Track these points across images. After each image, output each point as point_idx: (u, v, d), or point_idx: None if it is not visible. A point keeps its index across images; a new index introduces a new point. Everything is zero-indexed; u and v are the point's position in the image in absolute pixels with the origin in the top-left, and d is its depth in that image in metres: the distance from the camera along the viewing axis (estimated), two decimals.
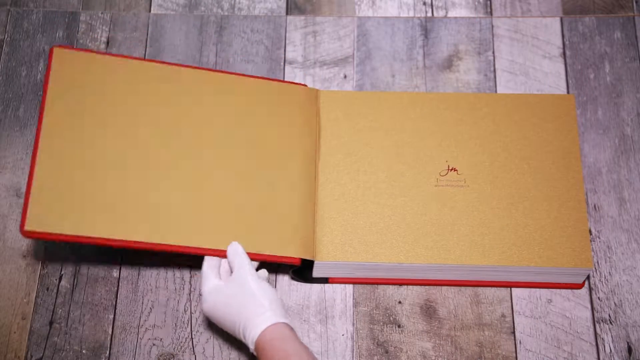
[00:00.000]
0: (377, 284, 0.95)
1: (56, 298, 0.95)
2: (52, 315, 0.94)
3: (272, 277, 0.96)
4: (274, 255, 0.90)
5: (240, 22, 1.12)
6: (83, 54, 0.93)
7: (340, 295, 0.95)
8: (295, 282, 0.96)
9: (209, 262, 0.87)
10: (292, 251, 0.90)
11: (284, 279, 0.96)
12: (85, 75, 0.92)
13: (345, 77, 1.08)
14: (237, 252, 0.87)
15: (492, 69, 1.08)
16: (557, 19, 1.11)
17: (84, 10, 1.13)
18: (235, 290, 0.83)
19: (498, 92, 1.06)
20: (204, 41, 1.10)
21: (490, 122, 0.98)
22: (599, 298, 0.95)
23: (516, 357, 0.92)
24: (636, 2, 1.12)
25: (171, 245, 0.87)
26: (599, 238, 0.98)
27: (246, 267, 0.85)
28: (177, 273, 0.96)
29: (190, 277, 0.96)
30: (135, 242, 0.86)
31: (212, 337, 0.93)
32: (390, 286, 0.96)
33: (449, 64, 1.09)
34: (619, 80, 1.07)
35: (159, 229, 0.87)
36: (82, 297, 0.95)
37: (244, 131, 0.96)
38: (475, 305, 0.95)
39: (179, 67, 0.97)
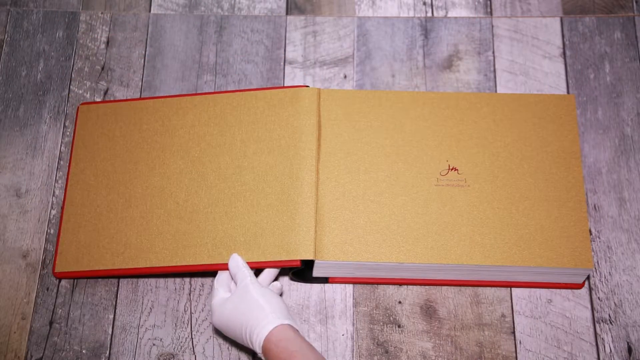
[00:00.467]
0: (377, 283, 0.95)
1: (56, 298, 0.95)
2: (52, 315, 0.94)
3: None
4: (276, 261, 0.90)
5: (240, 22, 1.12)
6: (105, 105, 1.03)
7: (340, 295, 0.95)
8: (295, 282, 0.96)
9: (218, 278, 0.90)
10: (294, 254, 0.90)
11: (284, 280, 0.96)
12: (106, 124, 1.02)
13: (345, 77, 1.08)
14: (237, 265, 0.89)
15: (492, 69, 1.08)
16: (557, 19, 1.11)
17: (84, 10, 1.13)
18: (240, 300, 0.85)
19: (498, 92, 1.06)
20: (204, 41, 1.10)
21: (490, 122, 0.98)
22: (599, 298, 0.95)
23: (516, 357, 0.92)
24: (636, 2, 1.12)
25: (183, 266, 0.92)
26: (599, 238, 0.98)
27: (247, 278, 0.87)
28: (177, 273, 0.96)
29: (190, 277, 0.96)
30: (149, 268, 0.93)
31: (212, 337, 0.93)
32: (390, 286, 0.96)
33: (449, 64, 1.09)
34: (619, 80, 1.07)
35: (176, 253, 0.93)
36: (82, 297, 0.95)
37: (252, 145, 0.98)
38: (475, 305, 0.94)
39: (183, 97, 1.02)
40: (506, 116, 0.99)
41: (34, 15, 1.12)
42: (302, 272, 0.94)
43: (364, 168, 0.96)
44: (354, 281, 0.95)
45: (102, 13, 1.13)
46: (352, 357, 0.92)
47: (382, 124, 0.98)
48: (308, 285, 0.96)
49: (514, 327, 0.93)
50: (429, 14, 1.12)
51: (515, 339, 0.93)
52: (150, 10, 1.13)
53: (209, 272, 0.96)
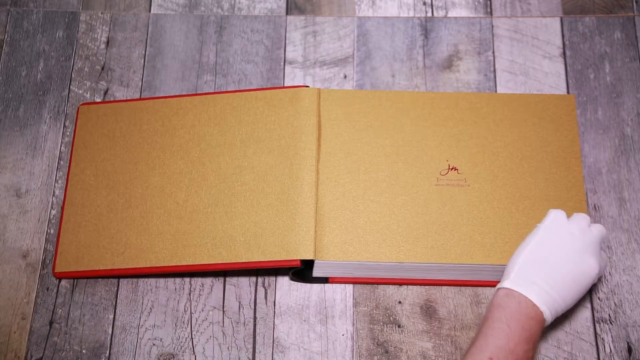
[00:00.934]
0: (377, 283, 0.95)
1: (56, 298, 0.95)
2: (52, 315, 0.94)
3: (272, 278, 0.96)
4: (276, 261, 0.90)
5: (240, 22, 1.12)
6: (105, 106, 1.04)
7: (340, 295, 0.95)
8: (295, 282, 0.96)
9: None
10: (294, 254, 0.90)
11: (284, 280, 0.96)
12: (106, 125, 1.02)
13: (345, 77, 1.08)
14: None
15: (492, 69, 1.08)
16: (557, 19, 1.11)
17: (84, 10, 1.13)
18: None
19: (498, 92, 1.06)
20: (204, 41, 1.10)
21: (490, 122, 0.98)
22: (599, 298, 0.95)
23: None
24: (636, 2, 1.12)
25: (183, 266, 0.93)
26: None
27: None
28: (177, 273, 0.96)
29: (190, 277, 0.96)
30: (149, 268, 0.93)
31: (212, 337, 0.93)
32: (390, 286, 0.95)
33: (449, 64, 1.09)
34: (619, 80, 1.07)
35: (176, 253, 0.93)
36: (82, 297, 0.95)
37: (252, 145, 0.98)
38: (475, 305, 0.94)
39: (183, 97, 1.02)
40: (506, 116, 0.99)
41: (34, 15, 1.12)
42: (302, 272, 0.94)
43: (364, 168, 0.96)
44: (354, 281, 0.95)
45: (102, 13, 1.13)
46: (352, 357, 0.92)
47: (382, 124, 0.98)
48: (308, 285, 0.96)
49: None
50: (429, 14, 1.12)
51: None
52: (150, 10, 1.13)
53: (209, 272, 0.96)
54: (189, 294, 0.95)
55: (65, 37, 1.11)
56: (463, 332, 0.93)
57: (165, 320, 0.94)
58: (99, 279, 0.96)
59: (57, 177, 1.02)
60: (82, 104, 1.04)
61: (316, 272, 0.94)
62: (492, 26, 1.11)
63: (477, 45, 1.10)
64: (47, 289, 0.95)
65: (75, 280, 0.96)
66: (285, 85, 1.07)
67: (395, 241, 0.92)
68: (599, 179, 1.01)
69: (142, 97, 1.07)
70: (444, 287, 0.95)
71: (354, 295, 0.95)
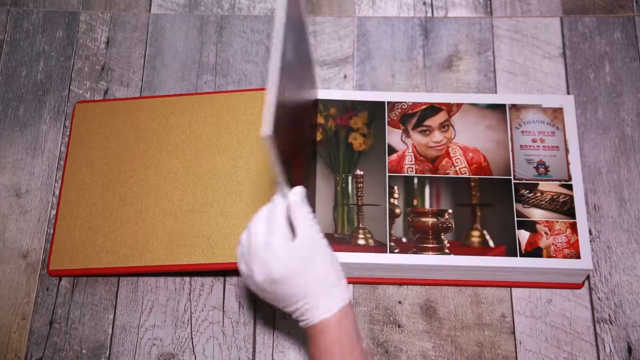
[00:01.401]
0: (377, 283, 0.95)
1: (56, 298, 0.95)
2: (52, 315, 0.94)
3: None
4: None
5: (240, 22, 1.12)
6: (102, 104, 1.04)
7: None
8: None
9: (283, 211, 0.72)
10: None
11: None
12: (103, 123, 1.03)
13: (345, 77, 1.08)
14: (303, 201, 0.72)
15: (492, 69, 1.08)
16: (557, 19, 1.11)
17: (84, 10, 1.13)
18: (311, 253, 0.71)
19: (498, 92, 1.06)
20: (204, 41, 1.10)
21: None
22: (599, 298, 0.95)
23: (516, 357, 0.92)
24: (636, 2, 1.12)
25: (179, 265, 0.93)
26: (599, 238, 0.98)
27: (316, 225, 0.72)
28: (177, 273, 0.96)
29: (190, 277, 0.96)
30: (145, 267, 0.94)
31: (212, 337, 0.93)
32: (390, 286, 0.96)
33: (449, 64, 1.09)
34: (619, 80, 1.07)
35: (171, 252, 0.94)
36: (82, 297, 0.95)
37: (248, 145, 0.99)
38: (475, 305, 0.95)
39: (180, 97, 1.04)
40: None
41: (34, 15, 1.12)
42: None
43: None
44: (354, 281, 0.95)
45: (102, 13, 1.12)
46: None
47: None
48: None
49: (514, 327, 0.93)
50: (429, 14, 1.12)
51: (515, 339, 0.93)
52: (150, 10, 1.13)
53: (209, 272, 0.96)
54: (189, 294, 0.95)
55: (65, 37, 1.11)
56: (463, 332, 0.93)
57: (165, 320, 0.94)
58: (99, 279, 0.96)
59: (57, 177, 1.02)
60: (78, 102, 1.04)
61: None
62: (492, 26, 1.11)
63: (477, 45, 1.10)
64: (47, 289, 0.95)
65: (75, 280, 0.96)
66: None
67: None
68: (599, 179, 1.01)
69: (140, 96, 1.06)
70: (444, 287, 0.95)
71: (354, 295, 0.95)
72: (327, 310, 0.71)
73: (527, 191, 0.97)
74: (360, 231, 0.95)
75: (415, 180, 0.98)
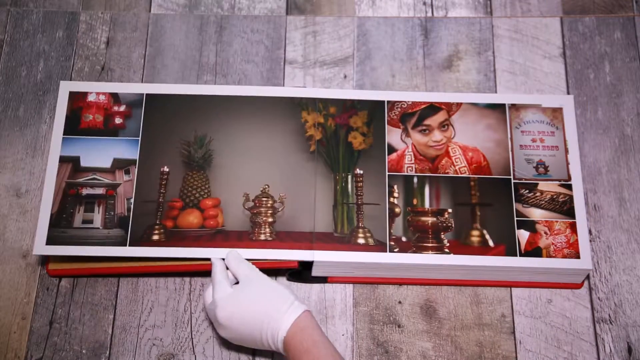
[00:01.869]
0: (377, 283, 0.95)
1: (56, 298, 0.95)
2: (52, 315, 0.94)
3: (272, 279, 0.96)
4: (273, 262, 0.91)
5: (240, 22, 1.12)
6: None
7: (340, 295, 0.95)
8: (295, 282, 0.96)
9: (220, 268, 0.89)
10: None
11: (282, 280, 0.96)
12: None
13: (345, 77, 1.08)
14: (239, 257, 0.89)
15: (492, 69, 1.08)
16: (557, 19, 1.11)
17: (84, 10, 1.13)
18: (255, 291, 0.85)
19: (498, 92, 1.06)
20: (204, 41, 1.10)
21: None
22: (599, 298, 0.95)
23: (516, 357, 0.92)
24: (636, 2, 1.12)
25: (179, 265, 0.93)
26: (599, 238, 0.98)
27: (255, 267, 0.88)
28: (177, 273, 0.96)
29: (190, 277, 0.96)
30: (144, 267, 0.94)
31: (212, 337, 0.93)
32: (390, 286, 0.95)
33: (449, 64, 1.09)
34: (619, 80, 1.07)
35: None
36: (82, 297, 0.95)
37: None
38: (475, 305, 0.94)
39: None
40: None
41: (34, 15, 1.12)
42: (298, 272, 0.95)
43: None
44: (354, 281, 0.95)
45: (102, 13, 1.13)
46: (352, 357, 0.92)
47: None
48: (308, 285, 0.96)
49: (514, 327, 0.93)
50: (429, 14, 1.12)
51: (515, 339, 0.93)
52: (150, 10, 1.13)
53: (208, 272, 0.96)
54: (189, 294, 0.95)
55: (65, 37, 1.11)
56: (463, 332, 0.93)
57: (165, 320, 0.94)
58: (99, 279, 0.96)
59: None
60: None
61: (315, 272, 0.94)
62: (492, 26, 1.11)
63: (477, 45, 1.10)
64: (47, 289, 0.95)
65: (75, 280, 0.96)
66: (285, 85, 1.07)
67: None
68: (599, 179, 1.01)
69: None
70: (444, 287, 0.95)
71: (354, 295, 0.95)
72: (288, 323, 0.81)
73: (527, 191, 0.97)
74: (360, 230, 0.95)
75: (415, 180, 0.98)
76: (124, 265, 0.93)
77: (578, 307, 0.94)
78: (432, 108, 1.02)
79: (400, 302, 0.95)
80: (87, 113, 0.99)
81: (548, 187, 0.97)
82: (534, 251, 0.93)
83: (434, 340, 0.93)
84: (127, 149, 0.98)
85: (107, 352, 0.92)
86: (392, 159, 0.99)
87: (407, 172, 0.98)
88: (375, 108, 1.01)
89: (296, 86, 1.06)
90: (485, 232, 0.95)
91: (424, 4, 1.13)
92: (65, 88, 1.00)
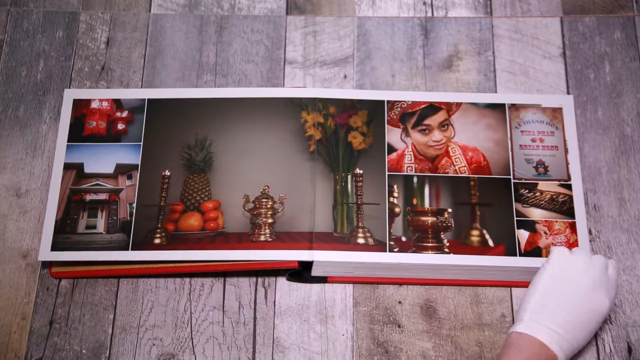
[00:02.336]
0: (377, 283, 0.95)
1: (56, 298, 0.95)
2: (52, 315, 0.94)
3: (272, 279, 0.96)
4: (273, 262, 0.91)
5: (240, 22, 1.12)
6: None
7: (340, 295, 0.95)
8: (295, 282, 0.96)
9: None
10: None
11: (284, 280, 0.96)
12: None
13: (345, 77, 1.08)
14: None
15: (492, 69, 1.08)
16: (557, 19, 1.11)
17: (84, 10, 1.13)
18: None
19: (498, 92, 1.06)
20: (204, 41, 1.10)
21: None
22: None
23: None
24: (636, 2, 1.12)
25: (183, 266, 0.94)
26: (599, 238, 0.98)
27: None
28: (177, 273, 0.96)
29: (190, 277, 0.96)
30: (148, 268, 0.94)
31: (212, 337, 0.93)
32: (390, 286, 0.95)
33: (449, 64, 1.09)
34: (619, 80, 1.07)
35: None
36: (82, 297, 0.95)
37: None
38: (475, 305, 0.94)
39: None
40: None
41: (34, 15, 1.12)
42: (298, 272, 0.95)
43: None
44: (354, 280, 0.95)
45: (102, 13, 1.13)
46: (352, 357, 0.92)
47: None
48: (308, 285, 0.96)
49: None
50: (429, 14, 1.12)
51: None
52: (150, 10, 1.13)
53: (209, 272, 0.96)
54: (189, 294, 0.95)
55: (65, 37, 1.11)
56: (463, 332, 0.93)
57: (165, 320, 0.94)
58: (99, 279, 0.96)
59: None
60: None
61: (315, 272, 0.94)
62: (492, 26, 1.11)
63: (477, 45, 1.10)
64: (47, 289, 0.95)
65: (75, 280, 0.96)
66: (285, 85, 1.08)
67: None
68: (599, 179, 1.01)
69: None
70: (444, 287, 0.95)
71: (354, 295, 0.95)
72: None
73: (527, 191, 0.97)
74: (360, 230, 0.95)
75: (415, 179, 0.98)
76: (126, 268, 0.93)
77: None
78: (432, 108, 1.02)
79: (400, 302, 0.95)
80: (91, 120, 1.00)
81: (548, 187, 0.97)
82: (533, 251, 0.93)
83: (434, 340, 0.93)
84: (129, 154, 0.98)
85: (107, 352, 0.92)
86: (392, 159, 0.99)
87: (407, 171, 0.98)
88: (375, 108, 1.02)
89: (296, 86, 1.06)
90: (485, 232, 0.95)
91: (424, 4, 1.13)
92: (70, 96, 1.01)
